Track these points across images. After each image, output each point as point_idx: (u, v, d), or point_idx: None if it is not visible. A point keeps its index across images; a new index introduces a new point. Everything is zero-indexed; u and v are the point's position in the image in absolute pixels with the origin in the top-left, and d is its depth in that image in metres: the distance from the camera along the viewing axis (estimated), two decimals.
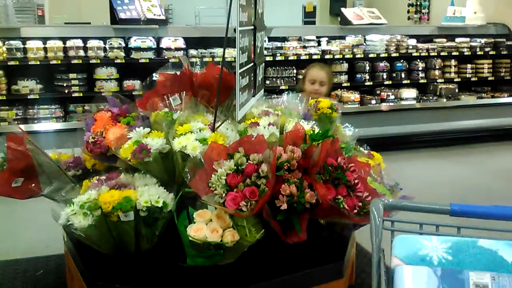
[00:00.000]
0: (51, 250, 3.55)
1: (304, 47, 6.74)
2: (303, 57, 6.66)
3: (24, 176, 2.60)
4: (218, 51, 6.20)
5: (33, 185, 2.60)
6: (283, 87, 6.42)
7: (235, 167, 2.21)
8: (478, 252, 1.02)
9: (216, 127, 2.50)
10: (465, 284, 0.98)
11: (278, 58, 6.56)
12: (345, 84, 6.93)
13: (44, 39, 5.81)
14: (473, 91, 7.66)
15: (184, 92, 2.66)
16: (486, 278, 0.99)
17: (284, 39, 6.75)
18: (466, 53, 7.44)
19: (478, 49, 7.48)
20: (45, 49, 5.77)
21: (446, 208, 1.10)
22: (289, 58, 6.62)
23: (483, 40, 7.52)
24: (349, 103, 6.76)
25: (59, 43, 5.82)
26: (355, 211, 2.18)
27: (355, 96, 6.83)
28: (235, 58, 2.41)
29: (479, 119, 7.24)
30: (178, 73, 2.90)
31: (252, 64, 2.76)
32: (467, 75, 7.49)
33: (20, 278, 3.42)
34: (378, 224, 1.07)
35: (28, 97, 5.81)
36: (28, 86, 5.82)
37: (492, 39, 7.58)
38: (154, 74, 3.28)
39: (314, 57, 6.69)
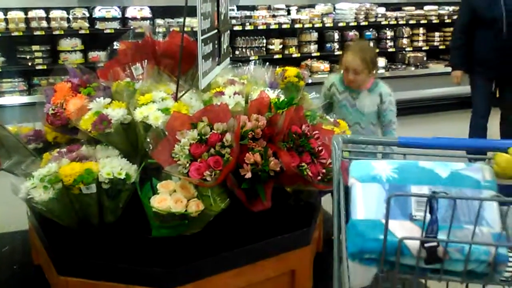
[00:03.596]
0: (16, 226, 3.48)
1: (274, 16, 6.66)
2: (272, 26, 6.59)
3: None
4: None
5: None
6: (252, 58, 6.35)
7: (199, 137, 2.18)
8: (419, 171, 1.21)
9: (179, 96, 2.46)
10: None
11: (247, 27, 6.47)
12: (314, 54, 6.90)
13: (5, 10, 5.61)
14: (441, 59, 7.72)
15: (146, 61, 2.60)
16: (424, 189, 1.20)
17: (253, 8, 6.66)
18: (435, 21, 7.47)
19: (446, 17, 7.51)
20: (6, 21, 5.58)
21: (395, 141, 1.30)
22: (259, 28, 6.54)
23: (451, 8, 7.55)
24: (319, 73, 6.75)
25: (21, 14, 5.63)
26: (319, 177, 2.18)
27: (324, 65, 6.82)
28: None
29: (447, 87, 7.30)
30: (140, 41, 2.83)
31: (215, 31, 2.70)
32: (435, 43, 7.54)
33: None
34: (338, 153, 1.28)
35: None
36: None
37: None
38: (116, 44, 3.19)
39: (284, 26, 6.63)
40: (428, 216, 1.08)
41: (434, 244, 1.06)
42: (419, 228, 1.08)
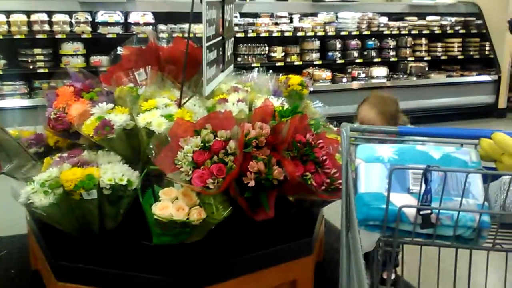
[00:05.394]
0: (14, 230, 3.46)
1: (276, 23, 6.66)
2: (275, 34, 6.59)
3: None
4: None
5: None
6: (254, 65, 6.34)
7: (202, 144, 2.16)
8: (415, 153, 1.40)
9: (183, 103, 2.44)
10: (405, 172, 1.39)
11: (250, 34, 6.47)
12: (316, 62, 6.90)
13: (8, 13, 5.60)
14: (442, 70, 7.72)
15: (150, 66, 2.58)
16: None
17: (256, 15, 6.66)
18: (437, 32, 7.47)
19: (448, 28, 7.52)
20: (8, 23, 5.57)
21: (395, 130, 1.48)
22: (261, 35, 6.54)
23: (453, 19, 7.56)
24: (321, 81, 6.74)
25: (23, 17, 5.63)
26: (323, 187, 2.16)
27: (326, 74, 6.81)
28: None
29: (448, 98, 7.31)
30: (144, 47, 2.81)
31: (220, 38, 2.69)
32: (437, 54, 7.54)
33: None
34: (346, 137, 1.46)
35: None
36: None
37: (462, 18, 7.63)
38: (119, 49, 3.18)
39: (286, 34, 6.63)
40: (423, 188, 1.27)
41: (428, 211, 1.24)
42: (415, 199, 1.26)
